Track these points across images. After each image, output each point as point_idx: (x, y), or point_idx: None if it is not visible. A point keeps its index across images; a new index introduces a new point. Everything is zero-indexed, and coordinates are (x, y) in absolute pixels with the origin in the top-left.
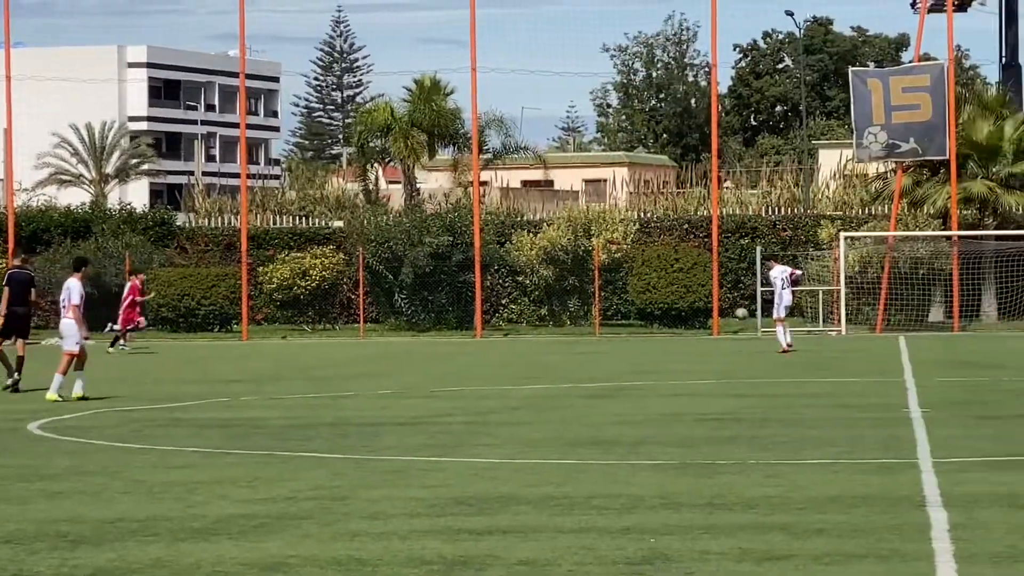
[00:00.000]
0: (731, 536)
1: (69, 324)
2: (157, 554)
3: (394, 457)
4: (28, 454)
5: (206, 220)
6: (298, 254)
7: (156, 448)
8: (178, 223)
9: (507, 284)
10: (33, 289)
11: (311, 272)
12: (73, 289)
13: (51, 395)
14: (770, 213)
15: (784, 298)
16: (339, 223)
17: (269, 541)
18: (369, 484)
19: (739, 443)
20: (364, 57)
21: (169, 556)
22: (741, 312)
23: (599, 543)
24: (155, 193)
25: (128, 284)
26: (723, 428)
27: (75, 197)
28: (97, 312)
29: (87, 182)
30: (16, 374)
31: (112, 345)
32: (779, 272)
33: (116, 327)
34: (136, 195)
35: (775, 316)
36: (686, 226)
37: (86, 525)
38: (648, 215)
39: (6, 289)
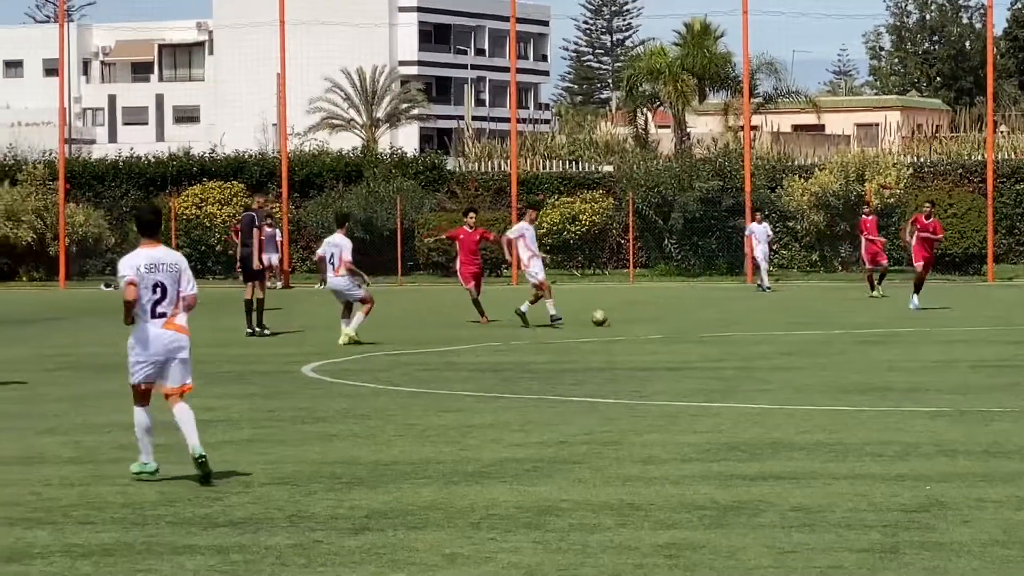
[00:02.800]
0: (1009, 484)
1: (340, 281)
2: (431, 497)
3: (665, 402)
4: (302, 397)
5: (476, 165)
6: (568, 199)
7: (428, 392)
8: (448, 167)
9: (778, 229)
10: (255, 229)
11: (581, 217)
12: (344, 246)
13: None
14: None
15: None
16: (608, 168)
17: (542, 485)
18: (640, 429)
19: (1017, 391)
20: (633, 1)
21: (443, 499)
22: (599, 314)
23: (873, 490)
24: (425, 138)
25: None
26: (999, 375)
27: (346, 142)
28: (369, 258)
29: (358, 127)
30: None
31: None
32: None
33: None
34: (406, 139)
35: None
36: (960, 171)
37: (361, 467)
38: (921, 160)
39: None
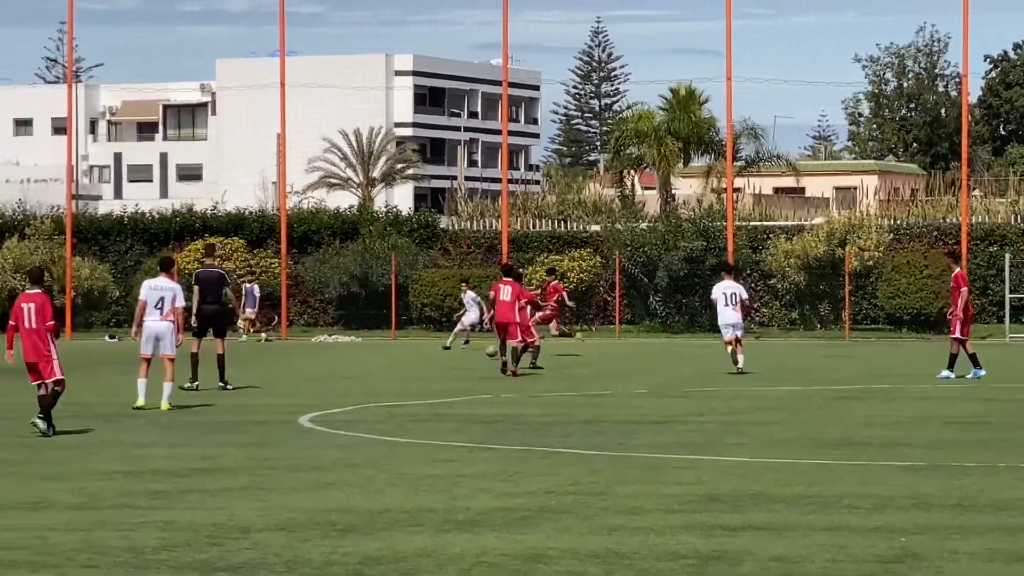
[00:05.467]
0: (981, 537)
1: (169, 327)
2: (423, 544)
3: (649, 455)
4: (299, 446)
5: (468, 223)
6: (556, 256)
7: (421, 442)
8: (442, 226)
9: (759, 288)
10: (227, 288)
11: (569, 274)
12: (178, 291)
13: (165, 404)
14: (1019, 221)
15: (726, 317)
16: (596, 227)
17: (530, 533)
18: (625, 480)
19: (988, 446)
20: (621, 66)
21: (434, 546)
22: (491, 348)
23: (851, 541)
24: (419, 197)
25: None
26: (972, 431)
27: (343, 200)
28: (364, 312)
29: (355, 185)
30: (196, 381)
31: None
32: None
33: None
34: (401, 198)
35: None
36: (935, 233)
37: (355, 515)
38: (899, 222)
39: (196, 288)
